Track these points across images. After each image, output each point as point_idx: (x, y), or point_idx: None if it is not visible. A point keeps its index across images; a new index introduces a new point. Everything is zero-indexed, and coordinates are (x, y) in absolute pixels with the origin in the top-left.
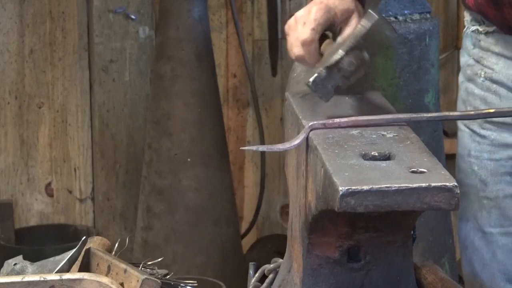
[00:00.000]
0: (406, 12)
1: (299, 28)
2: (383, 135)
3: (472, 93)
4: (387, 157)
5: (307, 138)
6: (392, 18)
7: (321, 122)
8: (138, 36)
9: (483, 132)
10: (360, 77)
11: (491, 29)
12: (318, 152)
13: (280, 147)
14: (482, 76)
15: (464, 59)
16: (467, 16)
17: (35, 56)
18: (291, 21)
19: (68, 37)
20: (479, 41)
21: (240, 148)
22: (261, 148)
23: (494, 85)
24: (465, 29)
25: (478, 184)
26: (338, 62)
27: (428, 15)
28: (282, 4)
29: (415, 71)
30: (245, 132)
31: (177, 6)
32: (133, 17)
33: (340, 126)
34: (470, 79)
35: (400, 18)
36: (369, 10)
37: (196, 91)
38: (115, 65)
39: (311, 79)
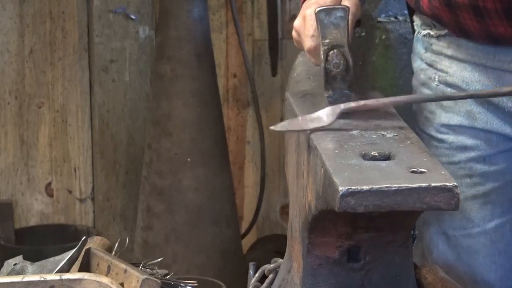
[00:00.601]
0: (406, 12)
1: (303, 38)
2: (383, 135)
3: None
4: (387, 157)
5: (307, 139)
6: (392, 18)
7: (353, 103)
8: (138, 36)
9: (440, 136)
10: (353, 63)
11: (443, 32)
12: (318, 152)
13: (310, 125)
14: (436, 80)
15: (416, 64)
16: (417, 20)
17: (35, 56)
18: (294, 35)
19: (68, 37)
20: (431, 45)
21: (270, 128)
22: (291, 125)
23: (449, 89)
24: (415, 33)
25: None
26: (327, 74)
27: None
28: (282, 4)
29: None
30: (245, 132)
31: (177, 6)
32: (133, 17)
33: (372, 107)
34: (423, 84)
35: (400, 18)
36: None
37: (196, 91)
38: (115, 65)
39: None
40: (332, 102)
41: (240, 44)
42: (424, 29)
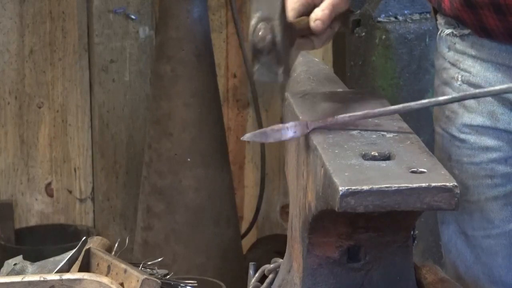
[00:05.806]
0: (406, 12)
1: None
2: (383, 135)
3: None
4: (387, 157)
5: (307, 139)
6: (392, 18)
7: (320, 121)
8: (138, 36)
9: (462, 136)
10: (282, 37)
11: (466, 31)
12: (318, 152)
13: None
14: (459, 79)
15: (439, 62)
16: (440, 19)
17: (35, 56)
18: None
19: (68, 37)
20: (454, 44)
21: (241, 138)
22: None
23: (472, 89)
24: (439, 32)
25: None
26: (253, 48)
27: (428, 15)
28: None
29: (415, 71)
30: (245, 132)
31: (177, 6)
32: (133, 17)
33: (337, 123)
34: (446, 83)
35: (400, 18)
36: None
37: (196, 91)
38: (115, 65)
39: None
40: (258, 77)
41: (240, 44)
42: (447, 28)
